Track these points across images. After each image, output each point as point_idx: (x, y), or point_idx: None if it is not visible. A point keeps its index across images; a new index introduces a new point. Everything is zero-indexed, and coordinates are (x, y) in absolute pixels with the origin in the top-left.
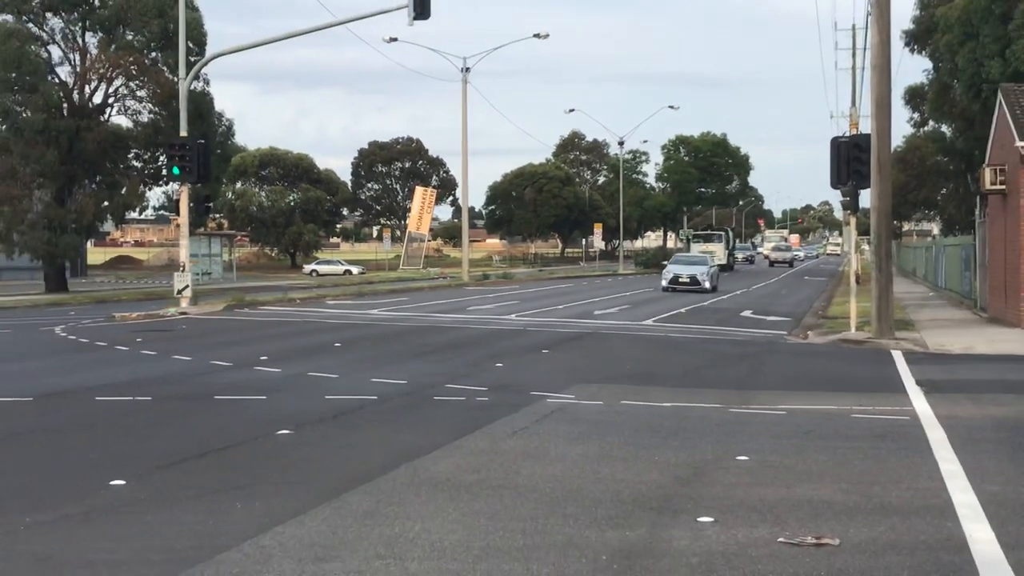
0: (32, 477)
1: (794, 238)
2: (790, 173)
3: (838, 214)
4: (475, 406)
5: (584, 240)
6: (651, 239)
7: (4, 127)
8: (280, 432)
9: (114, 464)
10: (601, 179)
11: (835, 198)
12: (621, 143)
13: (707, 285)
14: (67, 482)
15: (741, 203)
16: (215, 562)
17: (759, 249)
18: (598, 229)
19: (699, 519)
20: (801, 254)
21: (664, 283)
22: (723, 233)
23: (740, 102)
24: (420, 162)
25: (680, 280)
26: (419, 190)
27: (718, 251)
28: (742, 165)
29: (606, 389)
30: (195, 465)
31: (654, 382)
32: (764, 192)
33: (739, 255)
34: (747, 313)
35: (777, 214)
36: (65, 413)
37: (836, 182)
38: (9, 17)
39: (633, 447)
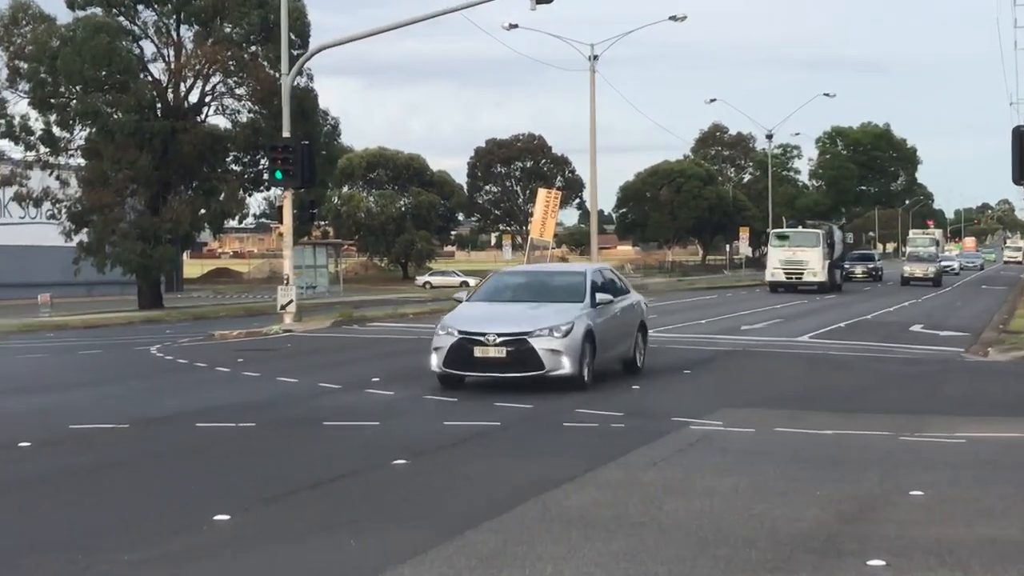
0: (130, 511)
1: (969, 241)
2: (964, 168)
3: (1020, 214)
4: (609, 433)
5: (728, 246)
6: None
7: (94, 130)
8: (395, 462)
9: (217, 497)
10: (746, 177)
11: (1017, 196)
12: (769, 136)
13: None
14: (167, 516)
15: (907, 202)
16: None
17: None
18: (744, 233)
19: (869, 563)
20: (955, 264)
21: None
22: (817, 232)
23: (905, 88)
24: (543, 161)
25: None
26: (542, 192)
27: (812, 259)
28: (908, 159)
29: (757, 414)
30: (304, 497)
31: (812, 406)
32: (934, 189)
33: (857, 267)
34: (917, 327)
35: (949, 214)
36: (164, 441)
37: (1019, 177)
38: (98, 10)
39: (790, 480)
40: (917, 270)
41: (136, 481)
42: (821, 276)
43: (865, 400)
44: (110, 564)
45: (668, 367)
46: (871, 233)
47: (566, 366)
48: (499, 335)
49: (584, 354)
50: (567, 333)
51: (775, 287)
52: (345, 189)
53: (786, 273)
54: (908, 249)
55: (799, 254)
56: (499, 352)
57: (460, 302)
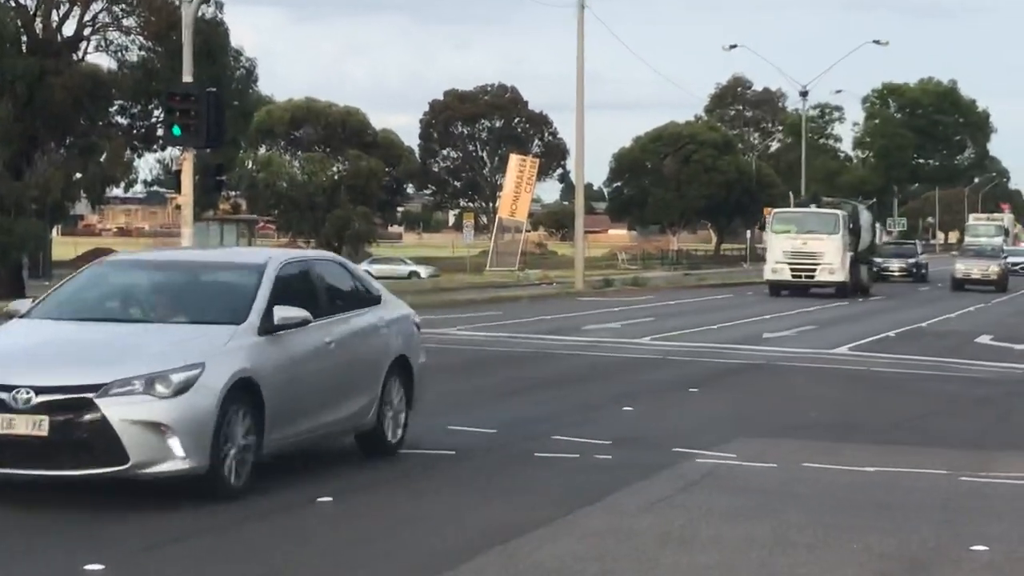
0: None
1: None
2: None
3: None
4: (594, 467)
5: (748, 232)
6: None
7: None
8: (319, 500)
9: None
10: (774, 145)
11: None
12: (804, 94)
13: None
14: None
15: (976, 180)
16: None
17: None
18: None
19: None
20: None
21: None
22: (836, 215)
23: (975, 37)
24: (516, 120)
25: None
26: (515, 160)
27: (828, 251)
28: (979, 126)
29: (781, 445)
30: (196, 543)
31: (851, 436)
32: (1011, 165)
33: (892, 263)
34: (985, 339)
35: None
36: None
37: None
38: None
39: (821, 528)
40: (974, 269)
41: None
42: (840, 274)
43: (918, 430)
44: None
45: (669, 384)
46: (930, 219)
47: (179, 455)
48: (38, 389)
49: (228, 431)
50: (184, 387)
51: (777, 289)
52: (262, 151)
53: (792, 270)
54: (966, 239)
55: (811, 244)
56: (32, 426)
57: (13, 316)
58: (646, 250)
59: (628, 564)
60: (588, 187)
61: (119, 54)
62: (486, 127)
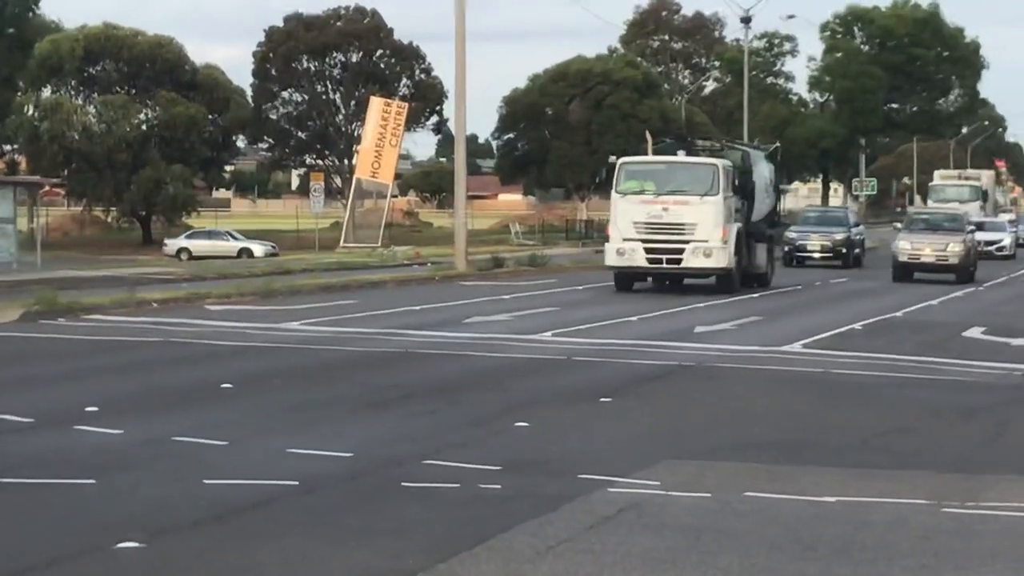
0: None
1: None
2: None
3: None
4: (479, 499)
5: None
6: (801, 194)
7: None
8: (122, 545)
9: None
10: (709, 85)
11: None
12: (746, 20)
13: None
14: None
15: (965, 131)
16: None
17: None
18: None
19: None
20: (1006, 239)
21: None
22: (713, 166)
23: None
24: (379, 53)
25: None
26: (377, 104)
27: (701, 221)
28: (966, 61)
29: (717, 469)
30: None
31: (806, 458)
32: (1008, 111)
33: (812, 238)
34: (974, 333)
35: None
36: None
37: None
38: None
39: None
40: (925, 248)
41: None
42: (721, 256)
43: (890, 449)
44: None
45: (575, 393)
46: (906, 180)
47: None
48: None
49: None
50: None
51: (626, 280)
52: (47, 93)
53: (649, 250)
54: (929, 203)
55: (676, 210)
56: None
57: None
58: (547, 220)
59: None
60: (472, 140)
61: None
62: (339, 62)
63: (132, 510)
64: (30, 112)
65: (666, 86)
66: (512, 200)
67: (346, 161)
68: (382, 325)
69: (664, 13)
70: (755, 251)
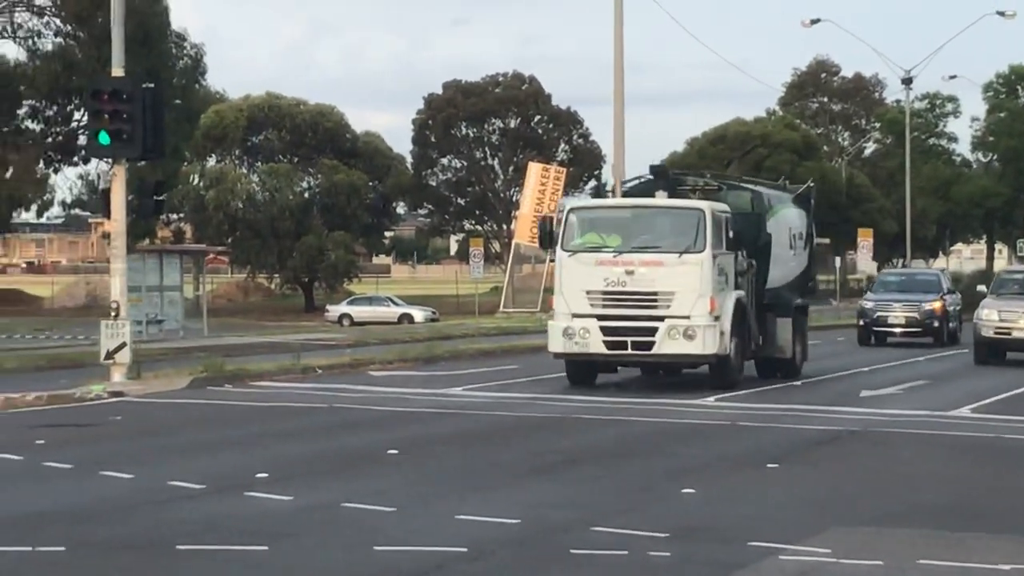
0: None
1: None
2: None
3: None
4: (648, 567)
5: (839, 259)
6: (965, 255)
7: None
8: None
9: None
10: (870, 147)
11: None
12: (908, 81)
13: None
14: None
15: None
16: None
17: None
18: (865, 239)
19: None
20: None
21: None
22: (699, 212)
23: None
24: (537, 118)
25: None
26: (535, 169)
27: (682, 288)
28: None
29: (888, 537)
30: None
31: (979, 524)
32: None
33: (894, 310)
34: None
35: None
36: None
37: None
38: None
39: None
40: (1019, 320)
41: None
42: (709, 340)
43: None
44: None
45: (741, 458)
46: None
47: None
48: None
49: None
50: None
51: (579, 371)
52: (212, 162)
53: (608, 330)
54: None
55: (643, 273)
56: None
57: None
58: None
59: None
60: None
61: (30, 41)
62: (498, 128)
63: None
64: (196, 181)
65: (825, 148)
66: None
67: (505, 226)
68: (543, 390)
69: (823, 75)
70: (774, 329)
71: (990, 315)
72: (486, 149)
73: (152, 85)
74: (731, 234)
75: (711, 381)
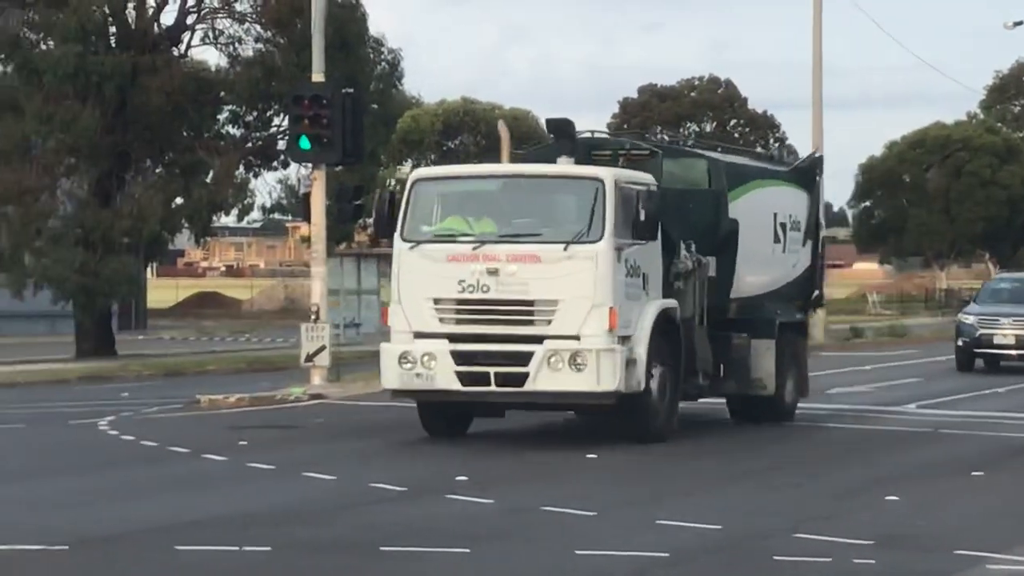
0: None
1: None
2: None
3: None
4: (853, 575)
5: None
6: None
7: (8, 69)
8: None
9: None
10: None
11: None
12: None
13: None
14: None
15: None
16: None
17: None
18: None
19: None
20: None
21: None
22: (597, 181)
23: None
24: (733, 122)
25: None
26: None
27: (568, 294)
28: None
29: None
30: None
31: None
32: None
33: (1003, 329)
34: None
35: None
36: (123, 573)
37: None
38: None
39: None
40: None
41: None
42: (607, 370)
43: None
44: None
45: (944, 465)
46: None
47: None
48: None
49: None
50: None
51: (437, 416)
52: (408, 167)
53: (461, 356)
54: None
55: (512, 272)
56: None
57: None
58: (904, 290)
59: None
60: (828, 208)
61: (231, 47)
62: (693, 132)
63: None
64: (391, 186)
65: None
66: (868, 269)
67: None
68: None
69: None
70: (745, 354)
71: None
72: None
73: (351, 90)
74: (649, 216)
75: (622, 430)
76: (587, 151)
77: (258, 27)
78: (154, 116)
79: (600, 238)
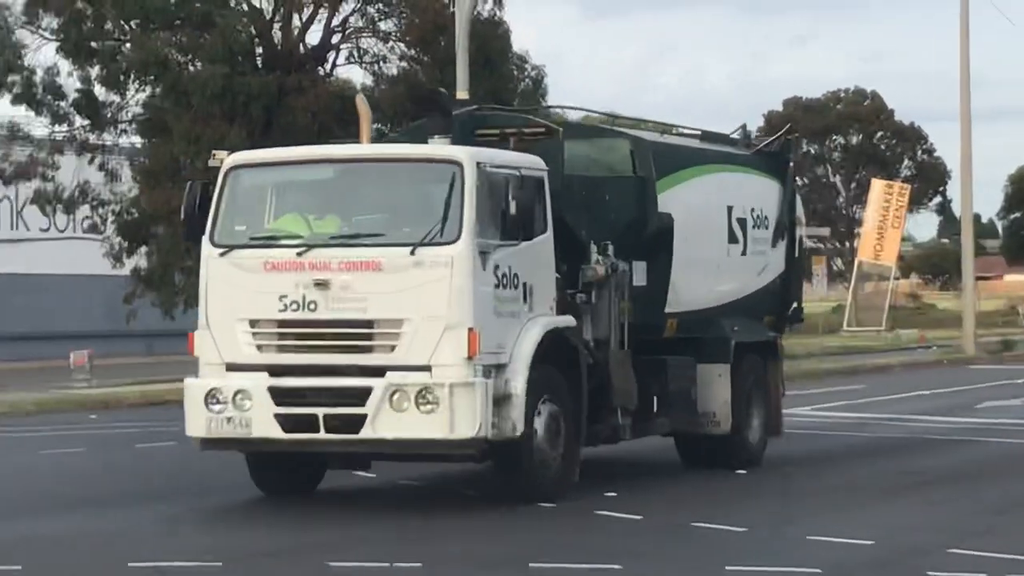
0: None
1: None
2: None
3: None
4: None
5: None
6: None
7: (159, 89)
8: None
9: None
10: None
11: None
12: None
13: None
14: None
15: None
16: None
17: None
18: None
19: None
20: None
21: None
22: (454, 163)
23: None
24: (879, 135)
25: None
26: (879, 186)
27: (421, 302)
28: None
29: None
30: None
31: None
32: None
33: None
34: None
35: None
36: None
37: None
38: None
39: None
40: None
41: None
42: (463, 412)
43: None
44: None
45: None
46: None
47: None
48: None
49: None
50: None
51: (267, 469)
52: None
53: (283, 393)
54: None
55: (345, 284)
56: None
57: None
58: None
59: None
60: (977, 219)
61: (375, 66)
62: (839, 145)
63: None
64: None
65: None
66: (1019, 281)
67: (847, 244)
68: (892, 410)
69: None
70: (688, 385)
71: None
72: (827, 166)
73: (497, 108)
74: (526, 209)
75: (499, 486)
76: (470, 130)
77: (402, 45)
78: (300, 135)
79: (456, 239)
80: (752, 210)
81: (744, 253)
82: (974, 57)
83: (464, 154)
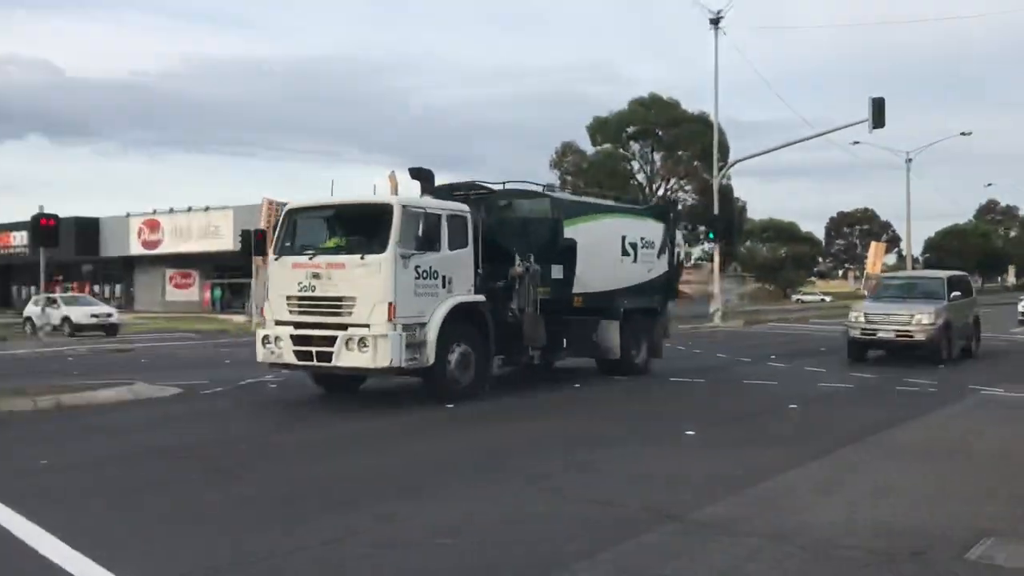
0: (628, 423)
1: None
2: None
3: None
4: (926, 395)
5: (999, 277)
6: None
7: None
8: (790, 406)
9: (686, 420)
10: (1014, 231)
11: None
12: None
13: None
14: (654, 431)
15: None
16: (758, 488)
17: None
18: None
19: None
20: None
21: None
22: (385, 207)
23: None
24: (873, 225)
25: None
26: (873, 245)
27: (365, 287)
28: None
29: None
30: (731, 424)
31: None
32: None
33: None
34: None
35: None
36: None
37: None
38: (608, 146)
39: None
40: (888, 321)
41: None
42: (383, 350)
43: None
44: (634, 454)
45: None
46: None
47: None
48: None
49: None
50: None
51: (321, 383)
52: (748, 243)
53: (297, 338)
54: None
55: (328, 276)
56: None
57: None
58: None
59: (947, 444)
60: (914, 257)
61: (683, 203)
62: (858, 229)
63: (792, 393)
64: (743, 250)
65: (995, 234)
66: None
67: (861, 266)
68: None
69: (992, 206)
70: (590, 332)
71: (854, 314)
72: (853, 237)
73: (728, 218)
74: (430, 232)
75: (427, 395)
76: (449, 191)
77: (693, 196)
78: None
79: (385, 248)
80: (642, 238)
81: (635, 261)
82: (915, 195)
83: (395, 200)
